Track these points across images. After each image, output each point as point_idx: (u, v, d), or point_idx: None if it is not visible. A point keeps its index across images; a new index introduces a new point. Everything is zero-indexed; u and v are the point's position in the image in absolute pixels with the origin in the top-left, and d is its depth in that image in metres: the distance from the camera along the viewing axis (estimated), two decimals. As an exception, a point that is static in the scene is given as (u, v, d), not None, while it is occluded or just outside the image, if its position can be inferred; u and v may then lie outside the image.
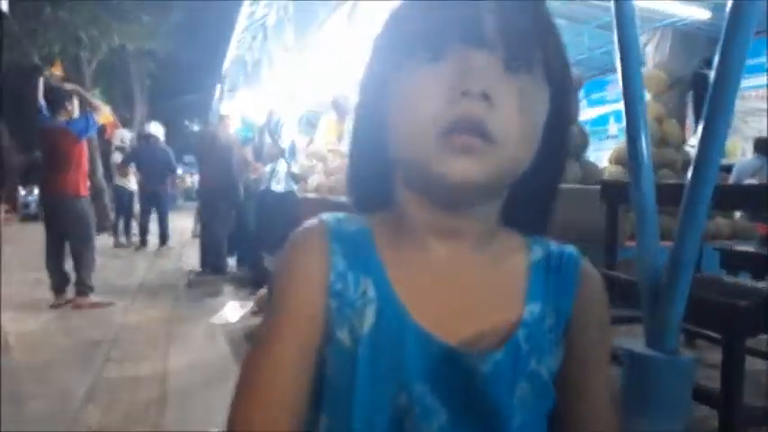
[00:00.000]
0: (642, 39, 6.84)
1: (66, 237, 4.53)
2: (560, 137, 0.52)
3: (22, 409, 2.47)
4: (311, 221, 0.54)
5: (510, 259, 0.54)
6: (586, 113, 7.74)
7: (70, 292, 4.54)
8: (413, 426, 0.48)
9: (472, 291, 0.52)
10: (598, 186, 2.65)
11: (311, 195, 4.47)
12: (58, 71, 11.04)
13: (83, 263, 4.50)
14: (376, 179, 0.53)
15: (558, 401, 0.53)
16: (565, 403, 0.53)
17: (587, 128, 8.26)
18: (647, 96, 5.22)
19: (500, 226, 0.54)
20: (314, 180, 4.69)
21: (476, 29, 0.45)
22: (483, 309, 0.51)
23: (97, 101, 4.84)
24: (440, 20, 0.46)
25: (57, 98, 4.64)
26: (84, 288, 4.49)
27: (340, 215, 0.54)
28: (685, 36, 6.37)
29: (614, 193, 2.55)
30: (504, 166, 0.47)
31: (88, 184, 4.81)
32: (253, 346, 0.51)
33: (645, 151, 1.49)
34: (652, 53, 6.46)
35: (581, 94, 5.80)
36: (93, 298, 4.51)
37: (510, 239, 0.55)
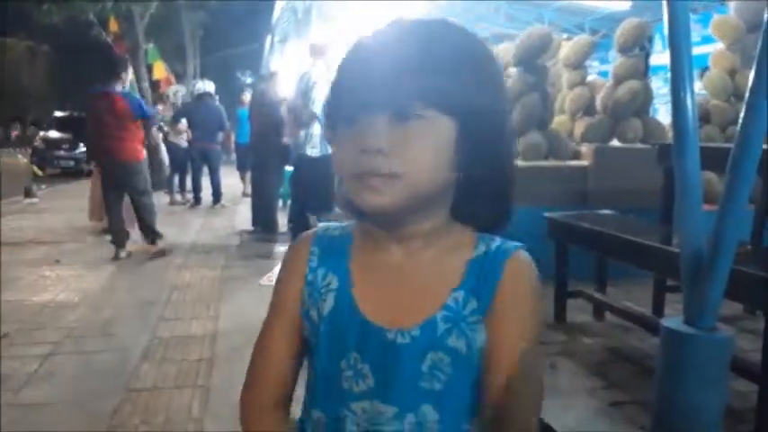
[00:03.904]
0: (727, -26, 6.12)
1: (127, 194, 4.75)
2: (487, 148, 0.63)
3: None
4: (309, 230, 0.75)
5: (453, 255, 0.66)
6: (660, 58, 7.08)
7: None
8: (349, 385, 0.66)
9: (412, 284, 0.66)
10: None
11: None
12: (114, 28, 11.12)
13: (146, 210, 4.76)
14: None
15: (481, 376, 0.64)
16: (484, 377, 0.63)
17: (663, 74, 7.55)
18: (721, 45, 4.67)
19: (453, 224, 0.67)
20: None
21: (371, 98, 0.60)
22: (415, 298, 0.65)
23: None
24: (352, 94, 0.62)
25: (112, 65, 4.69)
26: (151, 235, 4.80)
27: (332, 224, 0.73)
28: (778, -31, 5.62)
29: (670, 155, 2.36)
30: (411, 190, 0.60)
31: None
32: (265, 319, 0.74)
33: (690, 113, 1.40)
34: (738, -10, 5.76)
35: (656, 38, 5.24)
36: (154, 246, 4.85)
37: (461, 236, 0.67)
